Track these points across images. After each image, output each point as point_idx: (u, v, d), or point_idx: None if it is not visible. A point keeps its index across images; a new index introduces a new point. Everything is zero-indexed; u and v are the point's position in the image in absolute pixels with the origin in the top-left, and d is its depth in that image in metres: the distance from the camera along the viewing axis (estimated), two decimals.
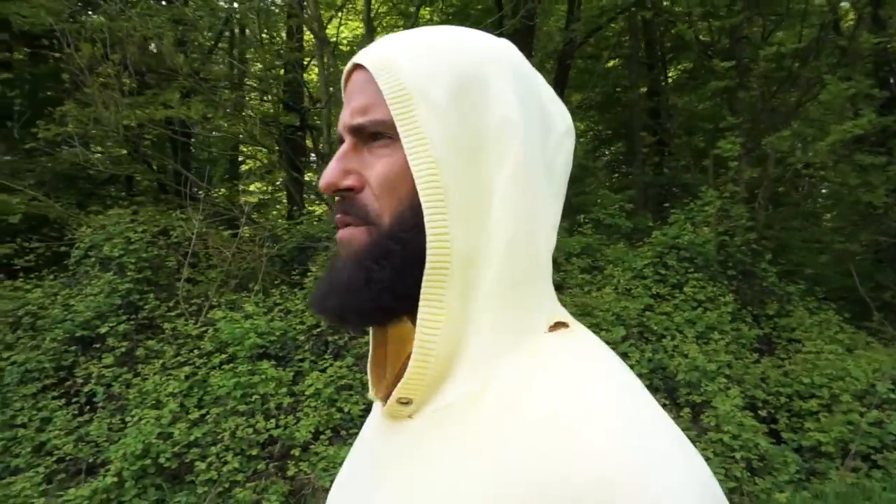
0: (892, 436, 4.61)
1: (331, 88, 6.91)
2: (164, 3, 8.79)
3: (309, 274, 5.98)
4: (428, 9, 10.11)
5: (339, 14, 10.21)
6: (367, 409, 4.22)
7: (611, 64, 12.38)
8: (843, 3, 8.50)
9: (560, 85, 9.67)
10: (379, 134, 0.60)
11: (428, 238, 0.56)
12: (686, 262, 6.06)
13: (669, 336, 5.26)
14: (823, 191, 9.34)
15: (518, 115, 0.60)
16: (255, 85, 9.77)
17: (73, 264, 5.95)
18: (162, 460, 4.07)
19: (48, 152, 7.17)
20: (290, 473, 4.13)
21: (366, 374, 0.74)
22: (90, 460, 4.42)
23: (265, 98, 10.04)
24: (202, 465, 4.08)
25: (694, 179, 8.97)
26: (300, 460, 4.21)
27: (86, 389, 4.88)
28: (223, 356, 4.82)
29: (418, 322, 0.57)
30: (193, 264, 6.17)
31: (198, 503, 4.00)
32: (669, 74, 12.27)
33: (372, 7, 8.45)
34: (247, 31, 10.48)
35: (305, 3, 7.62)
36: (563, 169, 0.66)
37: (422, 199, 0.56)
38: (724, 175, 7.46)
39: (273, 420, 4.39)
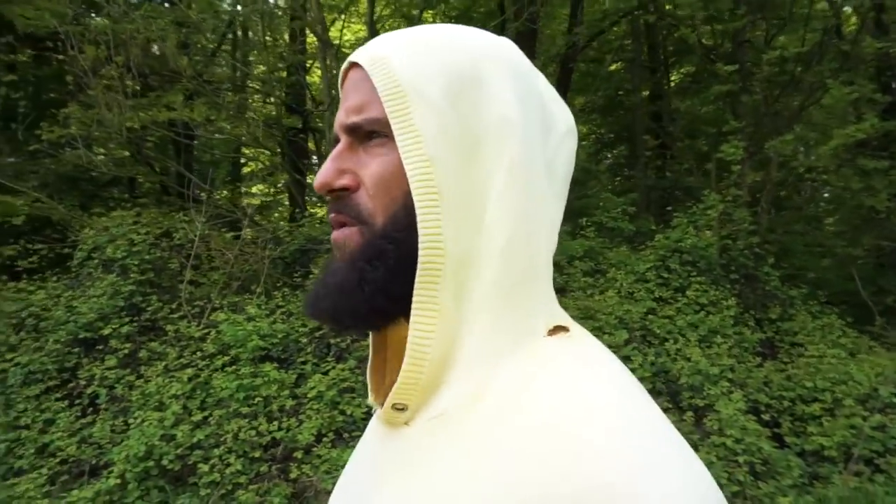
0: (895, 440, 4.60)
1: (333, 91, 6.93)
2: (167, 5, 8.82)
3: (311, 276, 5.99)
4: (430, 12, 10.12)
5: (342, 17, 10.23)
6: (370, 412, 4.22)
7: (613, 67, 12.39)
8: (845, 8, 8.52)
9: (563, 88, 9.66)
10: (374, 133, 0.59)
11: (420, 238, 0.55)
12: (689, 266, 6.06)
13: (672, 339, 5.26)
14: (826, 195, 9.35)
15: (517, 113, 0.59)
16: (257, 87, 9.79)
17: (76, 266, 5.96)
18: (165, 462, 4.08)
19: (51, 154, 7.19)
20: (292, 476, 4.13)
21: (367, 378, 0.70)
22: (93, 462, 4.43)
23: (268, 100, 10.06)
24: (205, 468, 4.08)
25: (697, 183, 8.96)
26: (303, 463, 4.21)
27: (89, 391, 4.89)
28: (226, 358, 4.83)
29: (411, 324, 0.56)
30: (196, 266, 6.17)
31: None
32: (672, 78, 12.26)
33: (375, 10, 8.47)
34: (249, 33, 10.52)
35: (308, 6, 7.64)
36: (565, 169, 0.65)
37: (415, 198, 0.55)
38: (726, 179, 7.47)
39: (276, 422, 4.39)
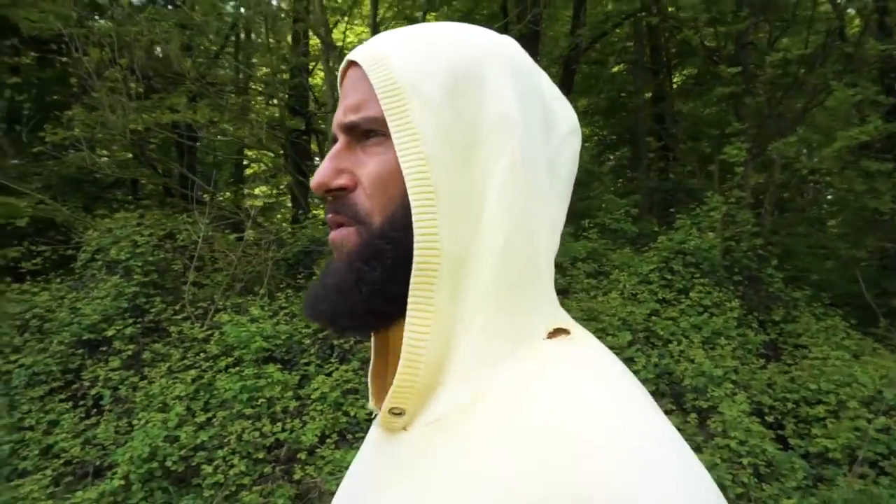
0: None
1: (336, 93, 6.89)
2: (170, 7, 8.84)
3: (314, 277, 5.99)
4: (433, 14, 10.13)
5: (345, 19, 10.24)
6: (373, 414, 4.23)
7: (616, 69, 12.38)
8: (848, 10, 8.51)
9: (565, 90, 9.66)
10: (372, 131, 0.58)
11: (416, 237, 0.54)
12: (692, 268, 6.05)
13: (675, 341, 5.25)
14: (829, 197, 9.32)
15: (517, 112, 0.58)
16: (260, 89, 9.81)
17: (79, 268, 5.98)
18: (169, 463, 4.08)
19: (55, 156, 7.21)
20: (296, 477, 4.13)
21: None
22: (97, 463, 4.44)
23: (271, 102, 10.08)
24: (209, 469, 4.08)
25: (700, 185, 8.95)
26: (306, 464, 4.21)
27: (93, 392, 4.90)
28: (229, 359, 4.83)
29: (406, 326, 0.55)
30: (199, 268, 6.18)
31: None
32: (675, 80, 12.25)
33: (378, 12, 8.49)
34: (253, 35, 10.54)
35: (312, 8, 7.65)
36: (568, 169, 0.64)
37: (410, 197, 0.54)
38: (729, 181, 7.46)
39: (279, 423, 4.40)
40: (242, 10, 9.00)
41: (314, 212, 8.69)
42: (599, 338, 0.59)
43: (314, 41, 9.55)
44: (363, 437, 0.71)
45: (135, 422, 4.49)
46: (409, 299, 0.54)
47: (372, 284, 0.57)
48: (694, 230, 6.38)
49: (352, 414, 4.45)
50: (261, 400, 4.46)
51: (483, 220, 0.56)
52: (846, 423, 4.66)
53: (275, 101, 9.88)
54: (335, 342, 5.13)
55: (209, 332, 5.24)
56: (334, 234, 0.60)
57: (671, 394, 4.87)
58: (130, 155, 8.63)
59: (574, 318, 0.62)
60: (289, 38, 9.48)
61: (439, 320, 0.54)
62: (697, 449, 4.24)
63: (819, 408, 4.86)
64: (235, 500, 4.01)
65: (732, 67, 7.03)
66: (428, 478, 0.52)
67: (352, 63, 0.62)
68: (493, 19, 9.43)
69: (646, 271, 6.10)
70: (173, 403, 4.48)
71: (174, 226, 6.44)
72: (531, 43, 7.95)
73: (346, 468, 0.72)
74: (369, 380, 0.67)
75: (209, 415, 4.43)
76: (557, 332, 0.57)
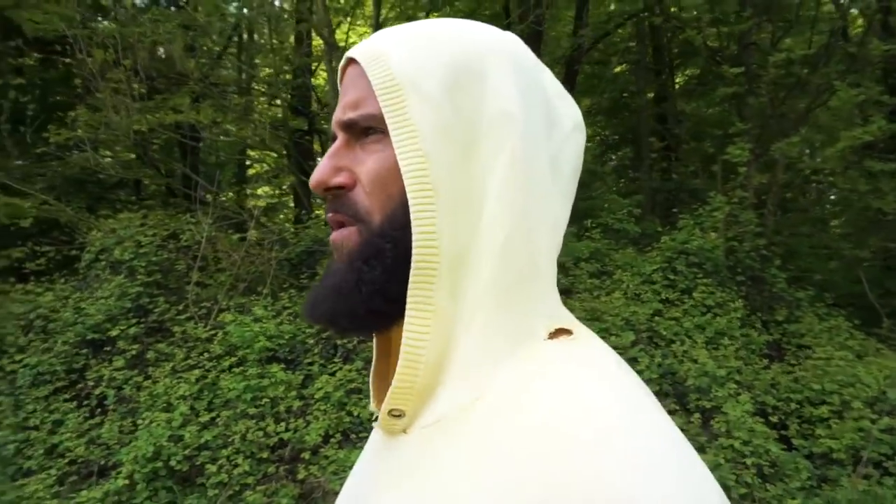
0: None
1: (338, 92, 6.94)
2: (174, 8, 8.86)
3: (317, 277, 6.00)
4: (435, 14, 10.14)
5: (348, 19, 10.26)
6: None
7: (619, 69, 12.37)
8: (852, 10, 8.49)
9: (568, 90, 9.64)
10: (371, 129, 0.58)
11: (414, 235, 0.53)
12: (695, 268, 6.05)
13: (679, 341, 5.25)
14: (832, 197, 9.30)
15: (518, 108, 0.57)
16: (263, 90, 9.82)
17: (83, 268, 5.99)
18: (173, 463, 4.09)
19: (59, 157, 7.23)
20: (300, 476, 4.14)
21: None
22: (102, 462, 4.45)
23: (274, 102, 10.09)
24: (213, 468, 4.09)
25: (702, 185, 8.95)
26: (310, 463, 4.21)
27: (97, 392, 4.91)
28: (233, 359, 4.84)
29: (405, 326, 0.54)
30: (202, 268, 6.19)
31: None
32: (677, 80, 12.25)
33: (380, 12, 8.49)
34: (255, 36, 10.56)
35: (314, 9, 7.66)
36: (571, 166, 0.63)
37: (408, 195, 0.54)
38: (732, 181, 7.44)
39: (283, 423, 4.40)
40: (245, 10, 9.01)
41: (317, 212, 8.70)
42: (603, 338, 0.59)
43: (317, 42, 9.57)
44: (367, 437, 0.70)
45: (139, 421, 4.50)
46: (409, 299, 0.54)
47: (372, 284, 0.56)
48: (697, 230, 6.37)
49: (355, 413, 4.45)
50: (264, 400, 4.46)
51: (483, 217, 0.55)
52: (850, 424, 4.65)
53: (278, 102, 9.91)
54: (339, 342, 5.13)
55: (213, 331, 5.25)
56: (335, 235, 0.60)
57: (674, 394, 4.87)
58: (134, 155, 8.65)
59: (577, 317, 0.61)
60: (291, 39, 9.50)
61: (439, 320, 0.54)
62: (701, 449, 4.24)
63: (823, 408, 4.86)
64: (239, 500, 4.02)
65: (735, 68, 7.02)
66: (428, 478, 0.52)
67: (351, 60, 0.61)
68: (496, 20, 9.42)
69: (649, 271, 6.09)
70: (177, 403, 4.49)
71: (177, 226, 6.45)
72: (534, 43, 7.95)
73: (350, 468, 0.72)
74: (371, 380, 0.66)
75: (213, 414, 4.44)
76: (559, 331, 0.56)
